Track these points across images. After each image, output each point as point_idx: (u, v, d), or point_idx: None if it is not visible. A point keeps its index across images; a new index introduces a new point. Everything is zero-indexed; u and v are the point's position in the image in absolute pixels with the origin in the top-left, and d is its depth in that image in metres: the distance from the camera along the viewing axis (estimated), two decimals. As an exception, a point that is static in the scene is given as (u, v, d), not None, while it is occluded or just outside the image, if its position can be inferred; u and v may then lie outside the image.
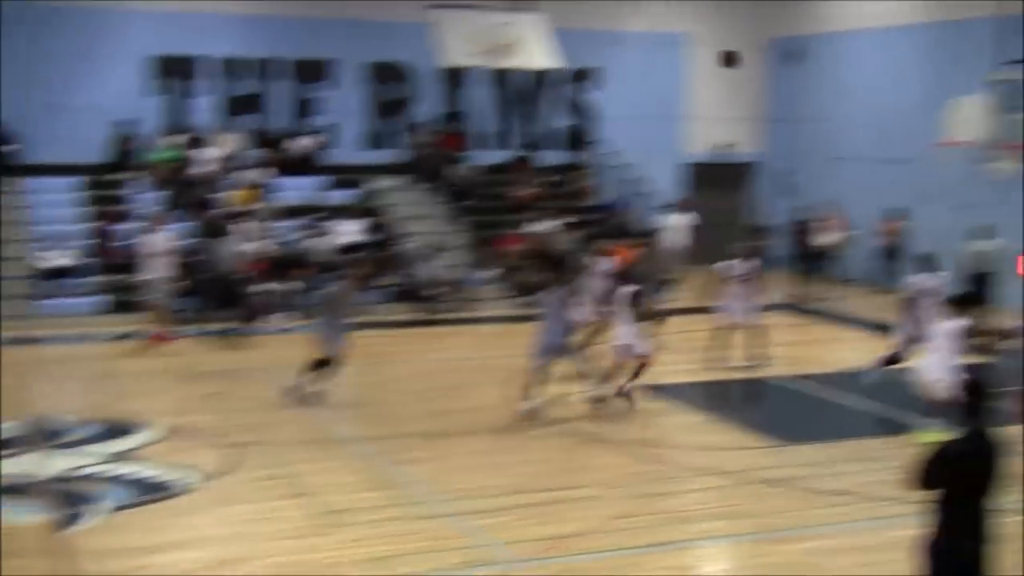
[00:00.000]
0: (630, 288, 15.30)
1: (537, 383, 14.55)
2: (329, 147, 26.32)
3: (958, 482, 6.97)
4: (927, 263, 16.39)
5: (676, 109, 29.16)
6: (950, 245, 22.29)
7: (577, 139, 28.34)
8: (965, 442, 7.05)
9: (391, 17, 25.86)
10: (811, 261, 25.03)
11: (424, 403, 15.49)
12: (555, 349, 14.66)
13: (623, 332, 15.16)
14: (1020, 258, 21.82)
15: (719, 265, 18.07)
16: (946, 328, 13.19)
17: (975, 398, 7.10)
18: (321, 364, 14.94)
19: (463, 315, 22.39)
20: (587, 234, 25.06)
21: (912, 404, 14.76)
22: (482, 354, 19.27)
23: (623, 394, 14.99)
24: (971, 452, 7.00)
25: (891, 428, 14.52)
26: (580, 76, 28.21)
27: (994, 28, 22.30)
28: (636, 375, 15.09)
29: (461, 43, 23.16)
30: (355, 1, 25.87)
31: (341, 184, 25.55)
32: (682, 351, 19.62)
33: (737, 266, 17.97)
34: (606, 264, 17.57)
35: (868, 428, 14.81)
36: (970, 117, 20.44)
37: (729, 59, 18.27)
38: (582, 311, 16.47)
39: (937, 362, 13.04)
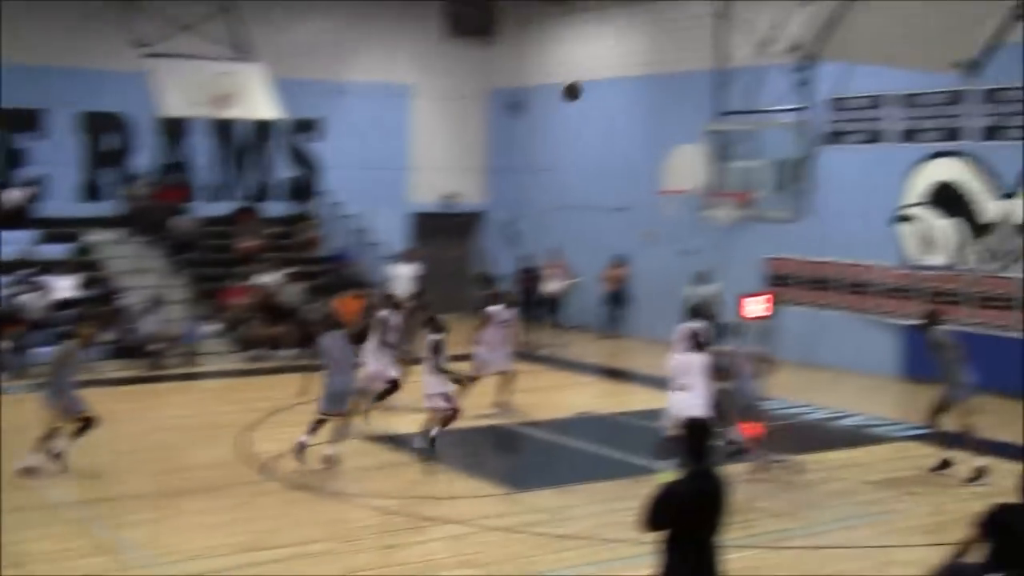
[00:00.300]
0: (434, 337, 15.26)
1: (337, 430, 14.58)
2: (41, 199, 25.21)
3: (682, 521, 7.10)
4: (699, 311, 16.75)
5: (402, 160, 29.28)
6: (673, 290, 23.17)
7: (302, 190, 28.10)
8: (688, 482, 7.20)
9: (105, 66, 25.01)
10: (537, 308, 25.48)
11: (149, 462, 14.89)
12: (342, 396, 14.63)
13: (432, 382, 15.16)
14: (742, 300, 22.78)
15: (490, 309, 18.13)
16: (694, 365, 13.62)
17: (696, 438, 7.29)
18: (82, 428, 14.14)
19: (187, 371, 21.76)
20: (313, 286, 24.90)
21: (644, 446, 15.21)
22: (208, 410, 18.73)
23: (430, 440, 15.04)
24: (694, 491, 7.14)
25: (624, 471, 14.86)
26: (303, 126, 28.03)
27: (712, 80, 23.32)
28: (446, 423, 15.18)
29: (180, 93, 22.55)
30: (67, 49, 24.94)
31: (55, 237, 24.47)
32: (412, 401, 19.60)
33: (502, 312, 18.14)
34: (395, 315, 17.36)
35: (601, 471, 15.09)
36: (689, 166, 21.23)
37: (571, 91, 18.54)
38: (381, 360, 16.76)
39: (687, 399, 13.44)
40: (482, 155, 30.61)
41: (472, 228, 30.90)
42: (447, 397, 15.21)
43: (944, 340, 14.40)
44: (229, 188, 27.52)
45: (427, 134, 29.75)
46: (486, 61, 30.28)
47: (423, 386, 15.41)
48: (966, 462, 14.18)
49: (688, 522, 7.12)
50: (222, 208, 27.11)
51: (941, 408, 14.28)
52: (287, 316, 23.18)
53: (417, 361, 16.72)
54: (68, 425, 14.11)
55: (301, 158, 28.21)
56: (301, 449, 14.40)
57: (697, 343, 14.05)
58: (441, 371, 15.17)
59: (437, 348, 15.16)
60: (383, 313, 17.36)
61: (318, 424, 14.58)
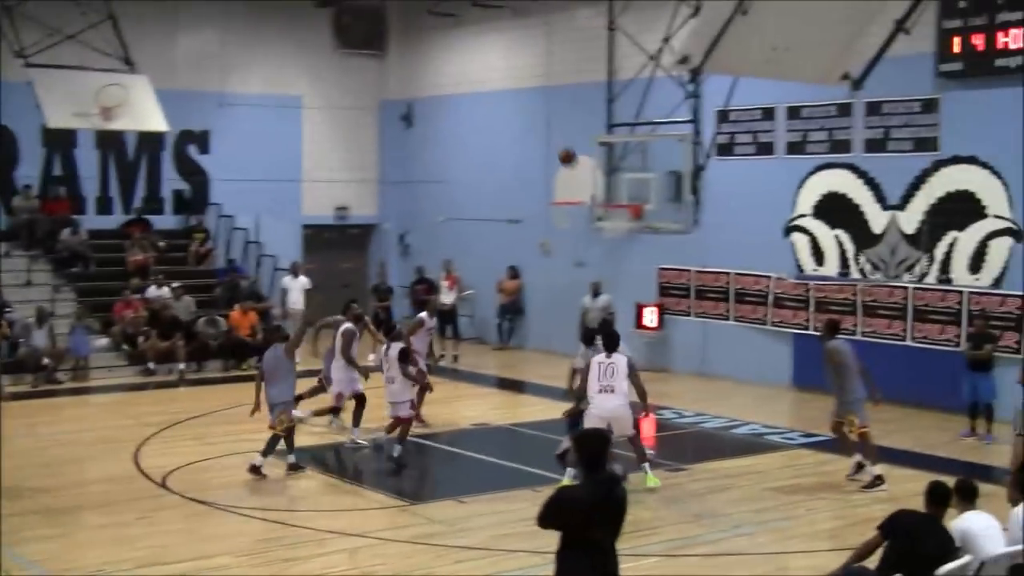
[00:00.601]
0: (400, 345, 15.67)
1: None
2: (-78, 212, 24.56)
3: (576, 527, 7.14)
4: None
5: (293, 172, 29.05)
6: (567, 301, 23.31)
7: (191, 202, 27.72)
8: (584, 488, 7.29)
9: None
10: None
11: (46, 478, 14.56)
12: (283, 404, 14.82)
13: (398, 390, 15.54)
14: (643, 309, 23.04)
15: (421, 317, 18.28)
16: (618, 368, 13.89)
17: (586, 447, 7.37)
18: None
19: (79, 385, 21.37)
20: (205, 299, 24.63)
21: (540, 456, 15.29)
22: (102, 424, 18.39)
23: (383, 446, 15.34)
24: (589, 498, 7.19)
25: (521, 481, 14.89)
26: (192, 138, 27.69)
27: (604, 92, 23.56)
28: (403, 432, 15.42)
29: (65, 105, 22.11)
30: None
31: (-63, 251, 23.86)
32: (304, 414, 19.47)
33: (428, 321, 18.19)
34: (348, 326, 17.13)
35: (498, 482, 15.10)
36: (581, 177, 21.39)
37: (567, 158, 18.61)
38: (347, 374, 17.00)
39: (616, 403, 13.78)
40: (374, 167, 30.50)
41: (365, 240, 30.78)
42: (413, 404, 15.64)
43: (841, 350, 14.63)
44: (117, 201, 27.04)
45: (319, 146, 29.56)
46: (376, 72, 30.20)
47: (388, 394, 15.69)
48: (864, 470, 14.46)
49: (582, 529, 7.15)
50: (110, 221, 26.67)
51: (839, 417, 14.52)
52: (179, 330, 22.87)
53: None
54: None
55: (190, 170, 27.83)
56: (256, 470, 14.56)
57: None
58: (409, 378, 15.55)
59: (404, 356, 15.55)
60: (347, 326, 17.23)
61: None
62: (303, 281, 24.93)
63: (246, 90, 28.32)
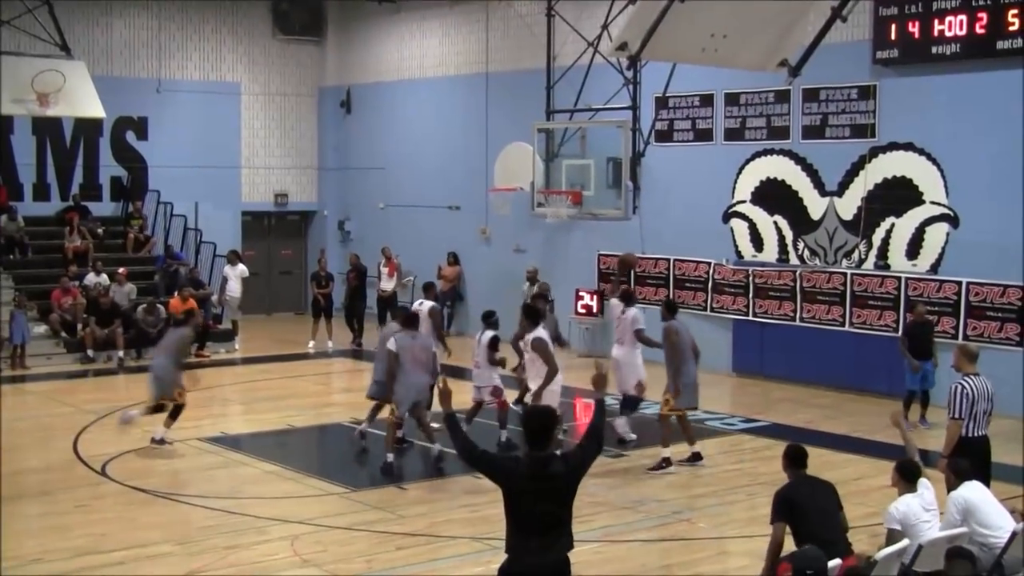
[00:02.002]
0: (492, 333, 15.64)
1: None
2: None
3: (506, 493, 7.30)
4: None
5: (233, 159, 28.82)
6: (507, 288, 23.31)
7: (129, 189, 27.42)
8: (520, 460, 7.40)
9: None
10: (369, 307, 25.30)
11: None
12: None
13: (485, 375, 15.60)
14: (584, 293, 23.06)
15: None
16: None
17: (531, 422, 7.46)
18: None
19: (16, 373, 21.13)
20: (143, 285, 24.42)
21: (482, 442, 15.23)
22: (40, 412, 18.18)
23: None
24: (520, 470, 7.30)
25: (462, 467, 14.85)
26: (130, 125, 27.39)
27: (543, 79, 23.56)
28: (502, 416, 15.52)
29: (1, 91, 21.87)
30: None
31: None
32: (245, 401, 19.41)
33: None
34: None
35: (440, 469, 15.10)
36: (521, 164, 21.39)
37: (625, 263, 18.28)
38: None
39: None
40: (313, 154, 30.34)
41: (304, 227, 30.62)
42: (496, 390, 15.49)
43: (679, 331, 14.75)
44: (54, 187, 26.72)
45: (257, 133, 29.38)
46: (315, 59, 30.05)
47: (475, 378, 15.69)
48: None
49: (517, 499, 7.26)
50: (47, 208, 26.37)
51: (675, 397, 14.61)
52: (118, 317, 22.62)
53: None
54: None
55: (128, 157, 27.53)
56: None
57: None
58: (494, 364, 15.48)
59: (494, 344, 15.46)
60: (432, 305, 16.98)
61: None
62: (241, 269, 24.76)
63: (184, 76, 28.08)
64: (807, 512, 8.78)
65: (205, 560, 11.01)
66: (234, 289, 24.53)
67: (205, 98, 28.20)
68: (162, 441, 15.26)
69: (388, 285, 24.53)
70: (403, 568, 10.96)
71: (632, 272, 19.97)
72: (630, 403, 15.91)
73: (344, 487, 13.78)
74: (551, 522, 7.27)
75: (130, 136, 27.54)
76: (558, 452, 7.56)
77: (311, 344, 24.24)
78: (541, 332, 14.72)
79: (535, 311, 15.24)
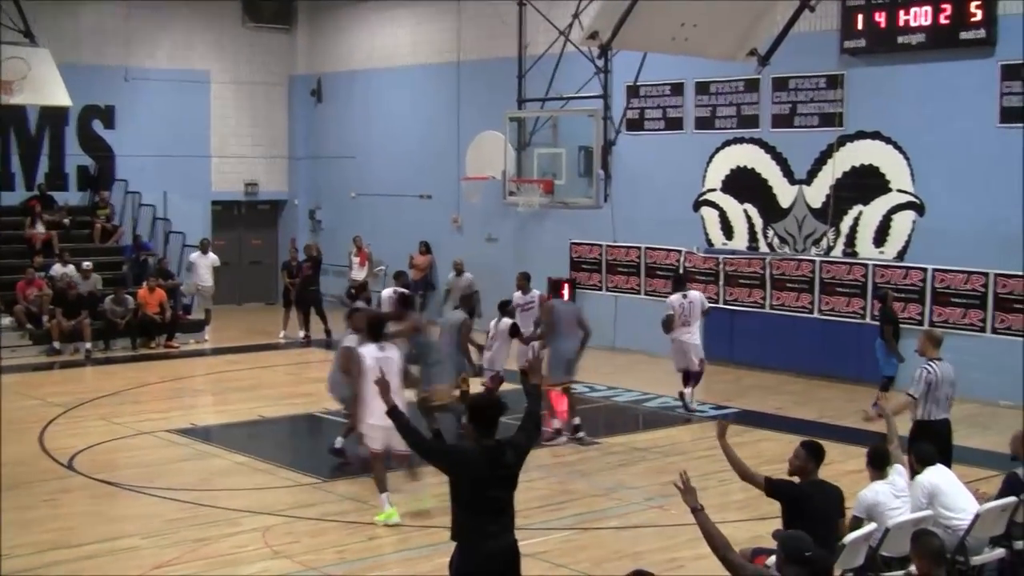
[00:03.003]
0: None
1: None
2: None
3: (462, 483, 7.35)
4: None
5: (202, 148, 28.68)
6: (479, 276, 23.33)
7: (96, 179, 27.24)
8: (473, 451, 7.43)
9: None
10: (343, 297, 25.23)
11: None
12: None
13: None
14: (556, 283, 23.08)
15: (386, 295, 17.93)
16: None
17: (479, 411, 7.49)
18: None
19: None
20: (110, 276, 24.29)
21: (451, 431, 15.29)
22: (6, 405, 17.85)
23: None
24: (478, 460, 7.34)
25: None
26: (97, 113, 27.22)
27: (515, 68, 23.55)
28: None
29: (-37, 78, 21.69)
30: None
31: None
32: (215, 392, 19.37)
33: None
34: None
35: (411, 458, 15.08)
36: (492, 153, 21.38)
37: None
38: None
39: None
40: (283, 143, 30.23)
41: (275, 217, 30.52)
42: (496, 377, 16.00)
43: (556, 309, 15.56)
44: (19, 177, 26.52)
45: (227, 121, 29.23)
46: (285, 47, 29.94)
47: (486, 361, 16.08)
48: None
49: (473, 487, 7.31)
50: (12, 197, 26.16)
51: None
52: (85, 308, 22.48)
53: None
54: None
55: (94, 146, 27.35)
56: None
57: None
58: (524, 341, 16.02)
59: (515, 331, 16.00)
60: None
61: None
62: (212, 258, 24.67)
63: (152, 65, 27.91)
64: (803, 513, 8.71)
65: (175, 553, 10.98)
66: (206, 279, 24.44)
67: (174, 86, 28.03)
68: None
69: (360, 275, 24.48)
70: (375, 558, 10.98)
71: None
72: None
73: (315, 478, 13.77)
74: (502, 507, 7.42)
75: (97, 125, 27.35)
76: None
77: (282, 334, 24.19)
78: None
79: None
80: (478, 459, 7.36)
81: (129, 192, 27.12)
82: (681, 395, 17.33)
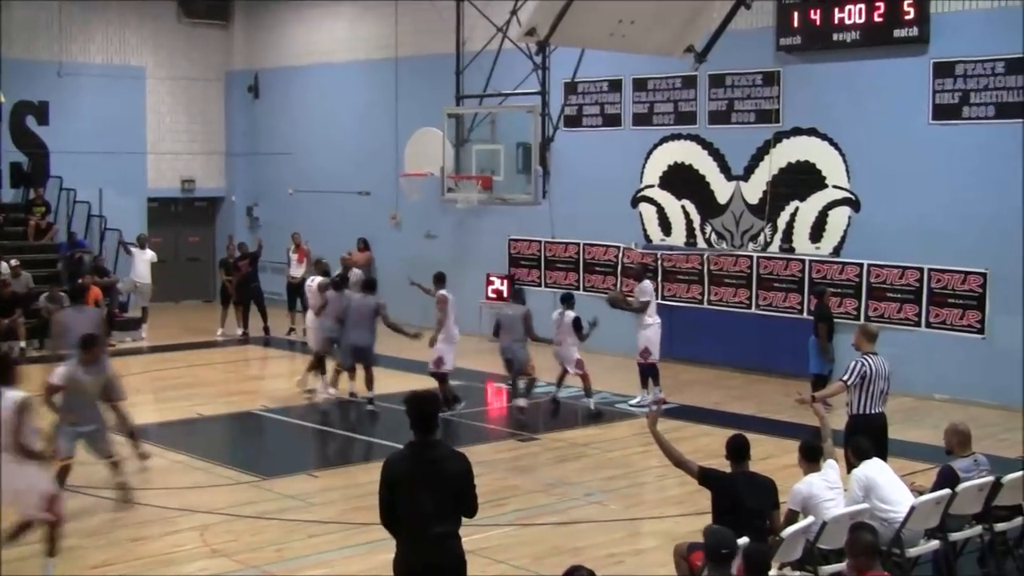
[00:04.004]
0: (573, 313, 17.07)
1: None
2: None
3: (396, 496, 7.25)
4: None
5: (138, 144, 28.37)
6: (417, 273, 23.27)
7: (30, 176, 26.86)
8: (403, 451, 7.39)
9: None
10: (278, 293, 25.11)
11: None
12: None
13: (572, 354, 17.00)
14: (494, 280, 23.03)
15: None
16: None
17: (412, 411, 7.34)
18: None
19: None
20: (45, 273, 23.99)
21: (393, 428, 15.31)
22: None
23: None
24: (398, 463, 7.31)
25: (373, 453, 14.93)
26: (30, 109, 26.85)
27: (454, 64, 23.52)
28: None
29: None
30: None
31: None
32: (152, 390, 19.19)
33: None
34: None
35: (351, 455, 15.11)
36: (431, 149, 21.33)
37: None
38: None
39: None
40: (220, 139, 30.00)
41: (212, 213, 30.29)
42: (579, 363, 16.91)
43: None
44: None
45: (163, 117, 28.95)
46: (222, 43, 29.72)
47: (557, 354, 17.03)
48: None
49: (404, 493, 7.21)
50: (-57, 195, 25.81)
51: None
52: (19, 306, 22.17)
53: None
54: None
55: (28, 142, 26.98)
56: None
57: None
58: (582, 340, 17.02)
59: (578, 324, 16.85)
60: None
61: None
62: (150, 254, 24.43)
63: (87, 60, 27.58)
64: (735, 507, 8.78)
65: (112, 553, 10.89)
66: (144, 275, 24.21)
67: (109, 82, 27.72)
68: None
69: (298, 271, 24.32)
70: (315, 556, 10.94)
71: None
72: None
73: (254, 475, 13.70)
74: (434, 515, 7.21)
75: (30, 121, 26.96)
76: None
77: (220, 332, 24.02)
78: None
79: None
80: (401, 460, 7.29)
81: (64, 189, 26.78)
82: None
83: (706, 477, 9.07)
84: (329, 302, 17.49)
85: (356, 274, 21.14)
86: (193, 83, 29.34)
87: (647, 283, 17.87)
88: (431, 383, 16.24)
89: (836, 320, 17.67)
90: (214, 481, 13.49)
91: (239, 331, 23.67)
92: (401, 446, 7.55)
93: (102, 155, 26.95)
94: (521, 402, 16.60)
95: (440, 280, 17.35)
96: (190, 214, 29.81)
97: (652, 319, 17.56)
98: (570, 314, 16.95)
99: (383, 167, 25.16)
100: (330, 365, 17.82)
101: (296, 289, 23.72)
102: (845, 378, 11.54)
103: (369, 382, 17.06)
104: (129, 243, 25.00)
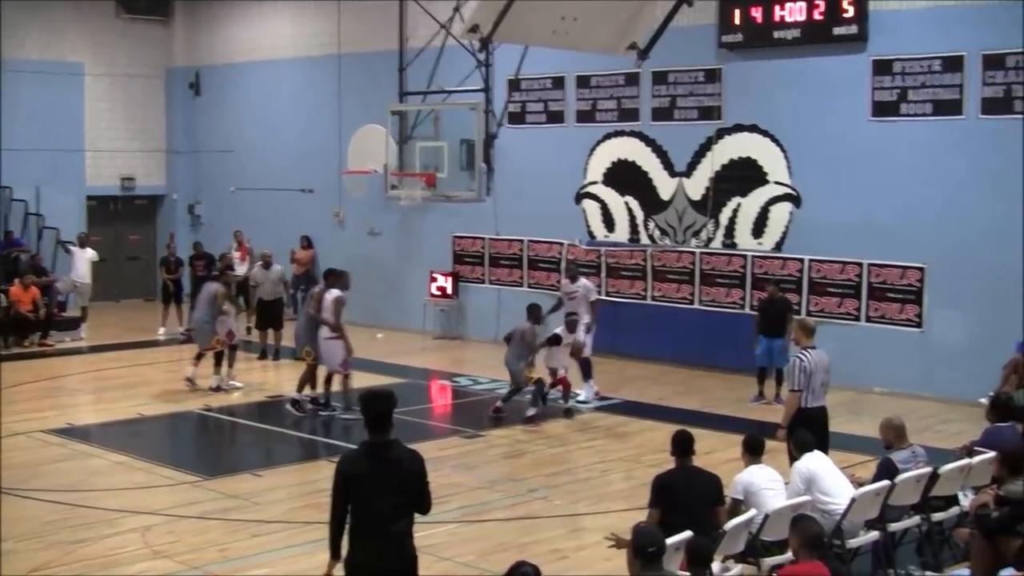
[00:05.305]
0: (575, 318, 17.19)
1: None
2: None
3: (350, 495, 7.22)
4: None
5: (77, 141, 28.04)
6: (361, 271, 23.20)
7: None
8: (357, 451, 7.35)
9: None
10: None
11: None
12: None
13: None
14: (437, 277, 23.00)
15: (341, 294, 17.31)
16: None
17: (366, 410, 7.34)
18: None
19: None
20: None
21: (336, 426, 15.28)
22: None
23: None
24: (356, 458, 7.29)
25: (317, 452, 14.88)
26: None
27: (397, 61, 23.45)
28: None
29: None
30: None
31: None
32: (93, 391, 19.02)
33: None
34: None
35: (295, 454, 15.03)
36: (374, 146, 21.24)
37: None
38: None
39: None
40: (161, 136, 29.72)
41: (153, 211, 30.01)
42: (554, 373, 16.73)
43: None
44: None
45: (102, 115, 28.62)
46: (162, 39, 29.43)
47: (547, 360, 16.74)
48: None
49: (352, 494, 7.20)
50: None
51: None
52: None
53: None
54: None
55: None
56: None
57: None
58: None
59: (572, 327, 16.94)
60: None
61: None
62: (90, 253, 24.17)
63: (22, 56, 27.17)
64: (681, 503, 8.84)
65: (51, 555, 10.75)
66: (83, 275, 23.93)
67: (46, 78, 27.33)
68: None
69: (241, 269, 24.12)
70: (259, 556, 10.87)
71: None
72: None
73: (197, 476, 13.59)
74: (391, 515, 7.22)
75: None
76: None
77: (161, 331, 23.81)
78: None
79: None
80: (355, 459, 7.28)
81: (2, 187, 26.41)
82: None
83: (658, 499, 9.04)
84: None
85: (277, 271, 21.09)
86: (133, 80, 29.04)
87: (585, 280, 18.06)
88: (383, 382, 16.15)
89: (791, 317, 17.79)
90: (156, 482, 13.36)
91: (180, 330, 23.47)
92: (348, 445, 7.52)
93: (39, 152, 26.60)
94: (530, 411, 16.23)
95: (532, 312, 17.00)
96: (130, 212, 29.51)
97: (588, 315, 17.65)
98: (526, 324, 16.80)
99: (326, 164, 25.05)
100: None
101: (241, 286, 23.53)
102: (792, 387, 11.62)
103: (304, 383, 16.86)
104: (68, 242, 24.74)
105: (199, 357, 18.09)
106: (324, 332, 16.33)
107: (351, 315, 19.59)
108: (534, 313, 16.81)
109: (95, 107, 28.48)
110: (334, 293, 16.39)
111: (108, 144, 28.66)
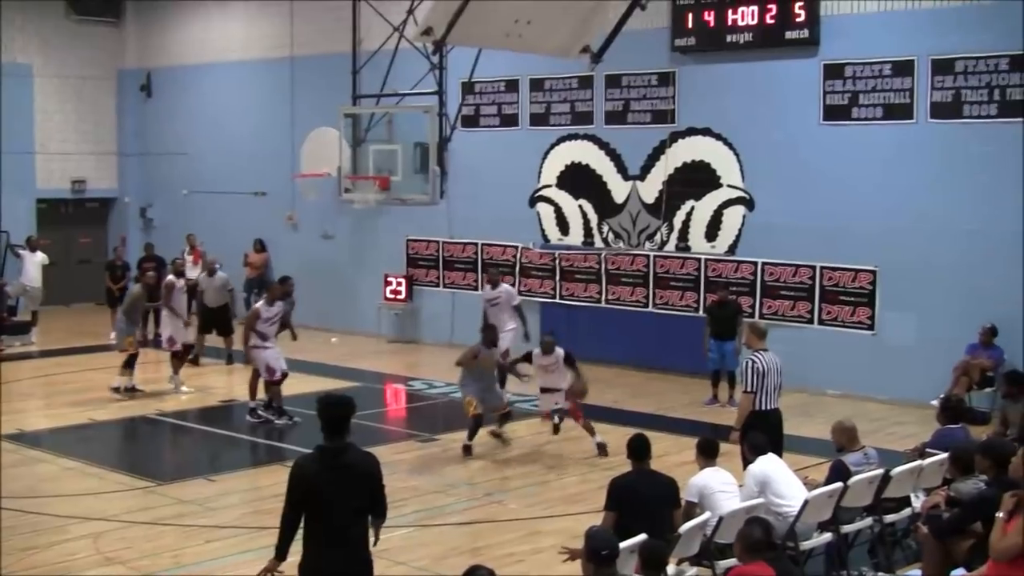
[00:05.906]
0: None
1: None
2: None
3: (304, 500, 7.17)
4: None
5: (26, 143, 27.72)
6: (315, 274, 23.17)
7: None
8: (311, 455, 7.30)
9: None
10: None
11: None
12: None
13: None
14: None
15: (259, 305, 16.93)
16: None
17: (323, 414, 7.27)
18: None
19: None
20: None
21: (292, 431, 15.23)
22: None
23: None
24: (310, 463, 7.24)
25: (272, 456, 14.80)
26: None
27: (351, 63, 23.40)
28: None
29: None
30: None
31: None
32: (43, 396, 18.85)
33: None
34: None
35: (250, 459, 14.97)
36: (327, 149, 21.17)
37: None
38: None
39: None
40: (112, 139, 29.48)
41: (104, 215, 29.75)
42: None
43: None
44: None
45: (52, 117, 28.34)
46: (113, 41, 29.19)
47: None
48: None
49: (306, 501, 7.16)
50: None
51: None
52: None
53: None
54: None
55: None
56: None
57: None
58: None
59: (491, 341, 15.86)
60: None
61: None
62: (40, 257, 23.91)
63: (-28, 57, 26.89)
64: (637, 507, 8.87)
65: (2, 562, 10.62)
66: (34, 278, 23.67)
67: (-5, 80, 27.09)
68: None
69: (193, 273, 23.96)
70: (213, 561, 10.80)
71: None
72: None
73: (149, 481, 13.50)
74: (345, 521, 7.18)
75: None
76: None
77: (112, 335, 23.57)
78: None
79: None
80: (308, 463, 7.23)
81: (-52, 190, 26.13)
82: None
83: (615, 502, 9.05)
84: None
85: (220, 278, 20.98)
86: (83, 82, 28.79)
87: (507, 284, 18.65)
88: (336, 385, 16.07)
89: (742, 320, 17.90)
90: (108, 487, 13.25)
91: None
92: (301, 450, 7.49)
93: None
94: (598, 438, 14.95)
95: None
96: (81, 215, 29.25)
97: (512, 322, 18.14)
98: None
99: (279, 167, 24.93)
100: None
101: (191, 291, 23.36)
102: (746, 389, 11.67)
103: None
104: (18, 245, 24.48)
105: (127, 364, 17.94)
106: (254, 339, 16.21)
107: (304, 318, 19.55)
108: (489, 335, 15.86)
109: (45, 109, 28.20)
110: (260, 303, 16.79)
111: (58, 146, 28.39)
